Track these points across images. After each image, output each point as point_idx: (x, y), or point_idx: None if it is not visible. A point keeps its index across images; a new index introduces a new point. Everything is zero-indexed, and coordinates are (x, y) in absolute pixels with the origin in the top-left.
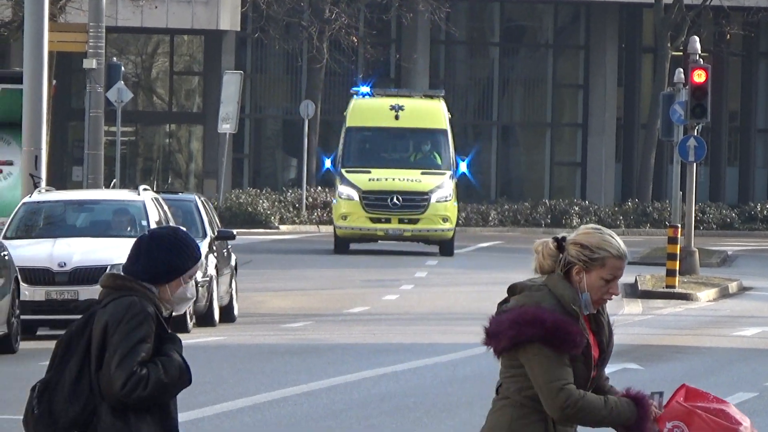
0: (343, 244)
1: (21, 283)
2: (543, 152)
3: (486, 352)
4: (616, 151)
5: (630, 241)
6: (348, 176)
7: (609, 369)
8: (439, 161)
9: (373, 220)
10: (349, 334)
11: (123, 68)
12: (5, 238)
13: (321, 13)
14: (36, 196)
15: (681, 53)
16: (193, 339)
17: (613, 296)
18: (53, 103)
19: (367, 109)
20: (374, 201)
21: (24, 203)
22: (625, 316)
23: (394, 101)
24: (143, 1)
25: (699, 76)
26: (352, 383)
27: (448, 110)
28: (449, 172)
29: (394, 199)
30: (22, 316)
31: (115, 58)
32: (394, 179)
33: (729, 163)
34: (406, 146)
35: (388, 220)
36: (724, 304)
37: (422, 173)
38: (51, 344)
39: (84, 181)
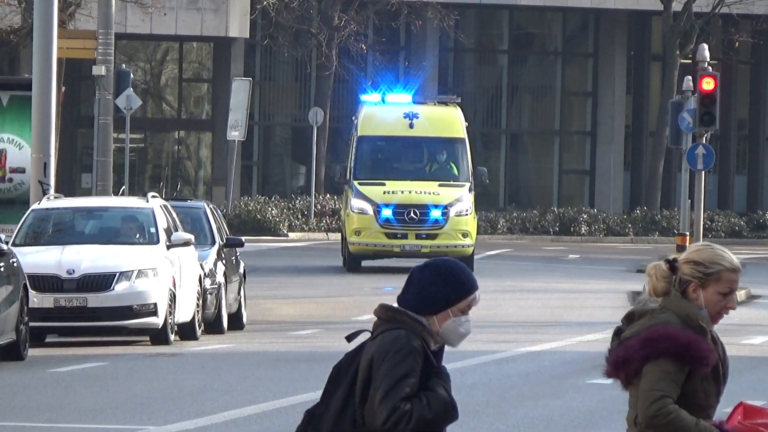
0: (354, 261)
1: (29, 290)
2: (551, 160)
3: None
4: (624, 159)
5: (638, 250)
6: (361, 188)
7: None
8: (456, 172)
9: (389, 236)
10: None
11: (132, 75)
12: (14, 245)
13: (330, 20)
14: (45, 203)
15: (690, 61)
16: (201, 346)
17: (731, 310)
18: (62, 109)
19: (380, 117)
20: (390, 215)
21: (33, 210)
22: None
23: (407, 109)
24: (152, 9)
25: (708, 84)
26: None
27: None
28: (468, 184)
29: (412, 213)
30: (30, 324)
31: (124, 65)
32: (411, 192)
33: (737, 171)
34: (422, 156)
35: (404, 236)
36: (732, 313)
37: (440, 185)
38: (59, 351)
39: (93, 188)
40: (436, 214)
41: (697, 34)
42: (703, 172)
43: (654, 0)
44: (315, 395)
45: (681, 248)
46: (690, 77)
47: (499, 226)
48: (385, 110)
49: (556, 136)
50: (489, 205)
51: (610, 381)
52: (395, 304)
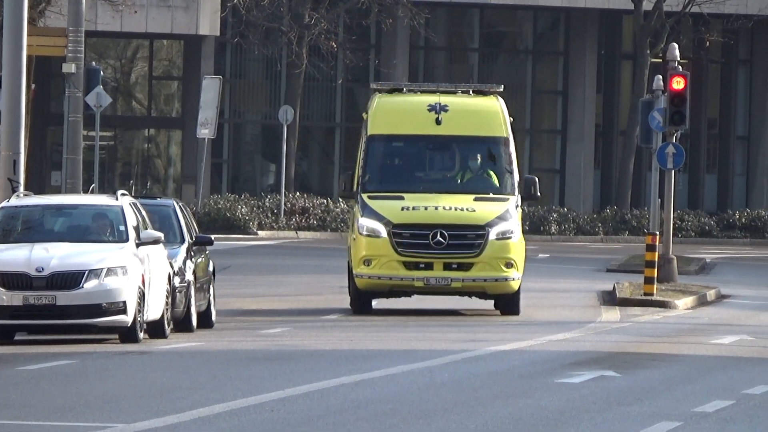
0: (363, 300)
1: None
2: (522, 159)
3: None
4: (594, 158)
5: (608, 249)
6: (372, 204)
7: (586, 376)
8: (497, 182)
9: (409, 266)
10: (327, 340)
11: (102, 73)
12: None
13: (300, 18)
14: (14, 201)
15: (660, 60)
16: (170, 345)
17: None
18: (32, 107)
19: (398, 109)
20: (410, 238)
21: (2, 207)
22: (603, 324)
23: (433, 99)
24: (123, 6)
25: (678, 83)
26: (329, 389)
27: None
28: (513, 198)
29: (439, 236)
30: (0, 321)
31: (94, 63)
32: (437, 208)
33: (708, 170)
34: (452, 162)
35: (429, 266)
36: (702, 312)
37: (476, 199)
38: (29, 349)
39: (62, 185)
40: (470, 236)
41: (667, 33)
42: (673, 171)
43: None
44: (284, 393)
45: (651, 247)
46: (660, 76)
47: None
48: (405, 101)
49: (527, 134)
50: None
51: (578, 381)
52: None
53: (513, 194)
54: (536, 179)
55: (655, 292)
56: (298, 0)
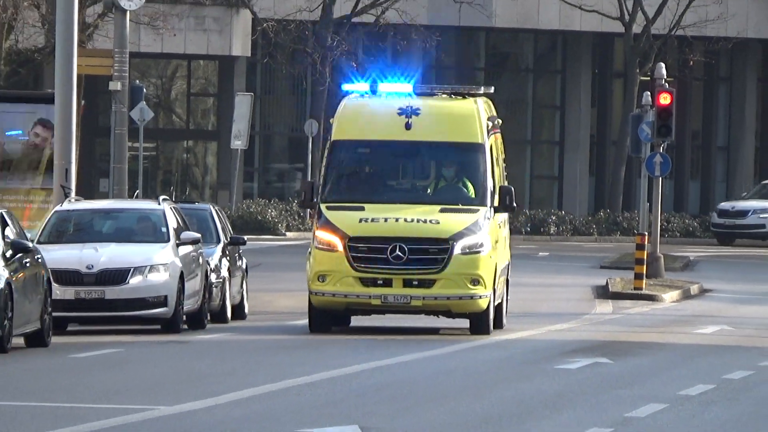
0: (320, 319)
1: (53, 283)
2: (524, 167)
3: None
4: (589, 166)
5: (601, 248)
6: (329, 215)
7: (582, 363)
8: (468, 192)
9: (366, 283)
10: (349, 330)
11: (145, 90)
12: (39, 243)
13: (324, 40)
14: (66, 205)
15: (648, 78)
16: (208, 334)
17: None
18: (82, 121)
19: (365, 113)
20: (367, 252)
21: (56, 211)
22: (597, 315)
23: (404, 102)
24: (163, 30)
25: (664, 99)
26: (350, 375)
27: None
28: (484, 209)
29: (398, 251)
30: (53, 314)
31: (137, 81)
32: (397, 220)
33: (692, 177)
34: (422, 170)
35: (387, 283)
36: (686, 305)
37: (442, 210)
38: (79, 339)
39: (110, 191)
40: (432, 251)
41: (655, 54)
42: (661, 178)
43: (616, 23)
44: (309, 378)
45: (640, 247)
46: (648, 93)
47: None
48: (374, 104)
49: (528, 144)
50: None
51: (575, 367)
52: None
53: (485, 205)
54: (512, 189)
55: (644, 286)
56: (321, 24)
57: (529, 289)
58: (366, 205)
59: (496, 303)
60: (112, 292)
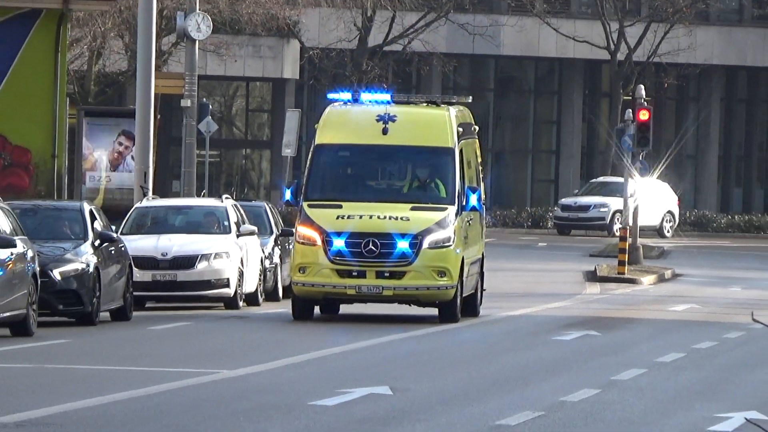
0: (302, 307)
1: (134, 267)
2: (526, 171)
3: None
4: (581, 172)
5: (590, 239)
6: (309, 212)
7: (575, 335)
8: (442, 192)
9: (342, 274)
10: (382, 307)
11: (210, 106)
12: (122, 233)
13: (359, 65)
14: (145, 202)
15: (630, 97)
16: (262, 311)
17: None
18: (158, 132)
19: (346, 120)
20: (343, 246)
21: (136, 208)
22: (587, 295)
23: (382, 110)
24: (226, 56)
25: (644, 115)
26: (382, 344)
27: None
28: (453, 207)
29: (371, 245)
30: (134, 293)
31: (204, 99)
32: (371, 216)
33: (666, 181)
34: (397, 172)
35: (361, 274)
36: (661, 287)
37: (413, 208)
38: (156, 314)
39: (181, 191)
40: (402, 245)
41: (635, 78)
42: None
43: (603, 51)
44: (346, 347)
45: (623, 239)
46: (630, 110)
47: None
48: (354, 112)
49: (529, 153)
50: None
51: (569, 338)
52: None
53: (453, 204)
54: (480, 190)
55: (626, 272)
56: (358, 52)
57: (530, 273)
58: (344, 204)
59: (466, 294)
60: (183, 275)
